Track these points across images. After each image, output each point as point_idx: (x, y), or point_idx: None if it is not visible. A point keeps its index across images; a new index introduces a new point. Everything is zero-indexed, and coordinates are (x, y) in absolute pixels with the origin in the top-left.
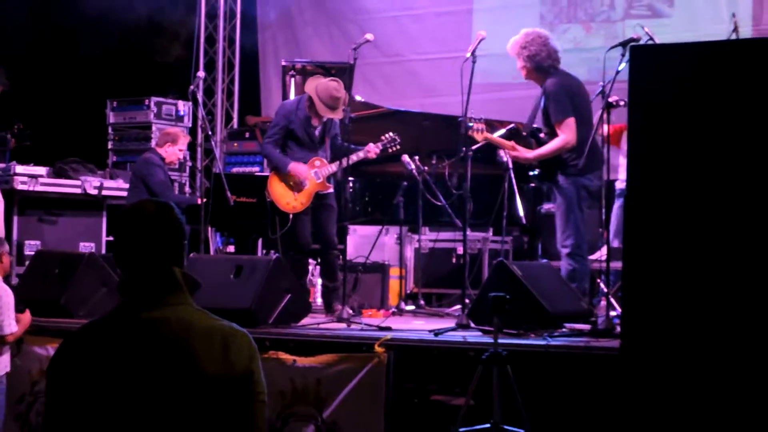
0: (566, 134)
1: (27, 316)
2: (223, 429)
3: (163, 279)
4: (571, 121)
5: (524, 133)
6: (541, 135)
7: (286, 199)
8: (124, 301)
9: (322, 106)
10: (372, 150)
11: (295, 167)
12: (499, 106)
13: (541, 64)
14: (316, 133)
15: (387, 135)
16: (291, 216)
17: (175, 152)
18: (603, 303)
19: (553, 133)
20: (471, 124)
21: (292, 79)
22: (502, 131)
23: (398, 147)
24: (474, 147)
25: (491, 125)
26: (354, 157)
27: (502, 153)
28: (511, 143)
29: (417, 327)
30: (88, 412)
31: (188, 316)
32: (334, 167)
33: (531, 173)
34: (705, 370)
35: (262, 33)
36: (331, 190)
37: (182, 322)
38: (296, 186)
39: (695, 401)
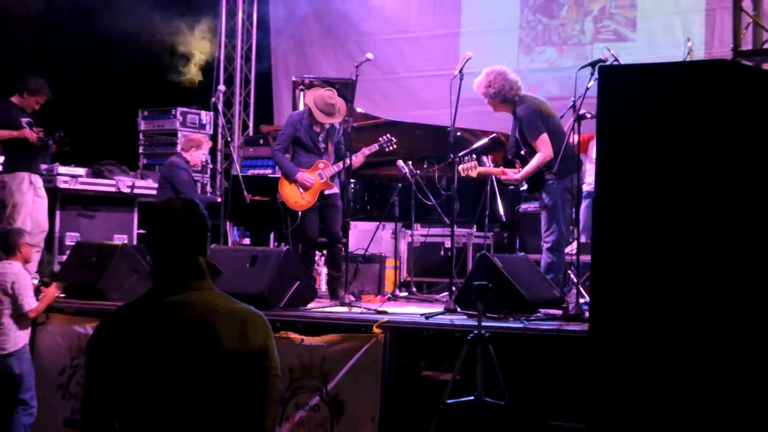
0: (543, 149)
1: (51, 289)
2: (242, 399)
3: (189, 267)
4: (545, 137)
5: (509, 156)
6: (522, 153)
7: (294, 198)
8: (155, 285)
9: (319, 113)
10: (368, 150)
11: (301, 177)
12: (482, 117)
13: (506, 96)
14: (320, 139)
15: (384, 137)
16: (300, 213)
17: (199, 156)
18: (573, 291)
19: (533, 150)
20: (462, 165)
21: (302, 93)
22: (485, 140)
23: (394, 146)
24: (461, 153)
25: (475, 134)
26: (354, 158)
27: (484, 158)
28: (501, 169)
29: (410, 311)
30: (122, 382)
31: (211, 299)
32: (336, 168)
33: (521, 189)
34: (663, 351)
35: (274, 52)
36: (336, 190)
37: (205, 304)
38: (304, 188)
39: (654, 379)
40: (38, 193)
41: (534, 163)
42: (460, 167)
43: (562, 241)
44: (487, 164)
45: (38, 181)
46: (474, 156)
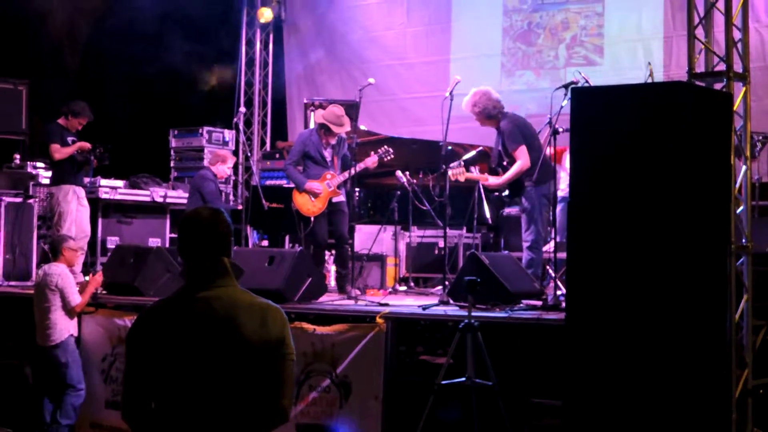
0: (522, 159)
1: (96, 277)
2: (262, 381)
3: (216, 266)
4: (523, 148)
5: (493, 165)
6: (505, 163)
7: (307, 206)
8: (186, 283)
9: (332, 125)
10: (370, 161)
11: (309, 186)
12: (470, 133)
13: (490, 113)
14: (326, 153)
15: (382, 148)
16: (312, 219)
17: (224, 170)
18: (552, 284)
19: (513, 160)
20: (451, 171)
21: (312, 113)
22: (473, 153)
23: (392, 156)
24: (451, 164)
25: (464, 148)
26: (358, 168)
27: (472, 168)
28: (485, 176)
29: (408, 303)
30: (158, 367)
31: (235, 295)
32: (342, 177)
33: (503, 195)
34: (630, 336)
35: (288, 78)
36: (343, 197)
37: (230, 299)
38: (314, 195)
39: (622, 360)
40: (81, 203)
41: (513, 171)
42: (450, 172)
43: (540, 240)
44: (474, 173)
45: (81, 192)
46: (462, 163)
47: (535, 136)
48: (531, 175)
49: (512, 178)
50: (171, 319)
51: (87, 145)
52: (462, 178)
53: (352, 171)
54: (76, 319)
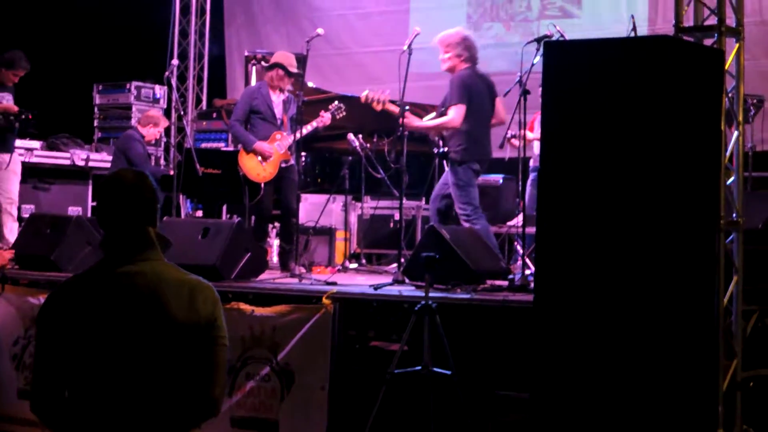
0: (455, 116)
1: (7, 253)
2: (190, 368)
3: (139, 237)
4: (461, 108)
5: (437, 112)
6: (444, 111)
7: (256, 171)
8: (105, 256)
9: (289, 67)
10: (321, 120)
11: (259, 145)
12: (431, 92)
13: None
14: (276, 109)
15: (333, 104)
16: (263, 185)
17: (154, 133)
18: (519, 263)
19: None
20: (372, 97)
21: (254, 68)
22: (433, 114)
23: (344, 113)
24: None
25: (424, 109)
26: (309, 127)
27: (390, 105)
28: (405, 113)
29: (359, 282)
30: (72, 352)
31: (160, 270)
32: (292, 138)
33: (438, 151)
34: (605, 322)
35: (228, 28)
36: (293, 161)
37: (155, 274)
38: (264, 158)
39: (597, 349)
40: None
41: (438, 120)
42: (369, 93)
43: (476, 211)
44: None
45: (6, 158)
46: (387, 91)
47: (486, 110)
48: (460, 146)
49: (433, 128)
50: (88, 297)
51: (14, 108)
52: (378, 107)
53: (302, 131)
54: None
